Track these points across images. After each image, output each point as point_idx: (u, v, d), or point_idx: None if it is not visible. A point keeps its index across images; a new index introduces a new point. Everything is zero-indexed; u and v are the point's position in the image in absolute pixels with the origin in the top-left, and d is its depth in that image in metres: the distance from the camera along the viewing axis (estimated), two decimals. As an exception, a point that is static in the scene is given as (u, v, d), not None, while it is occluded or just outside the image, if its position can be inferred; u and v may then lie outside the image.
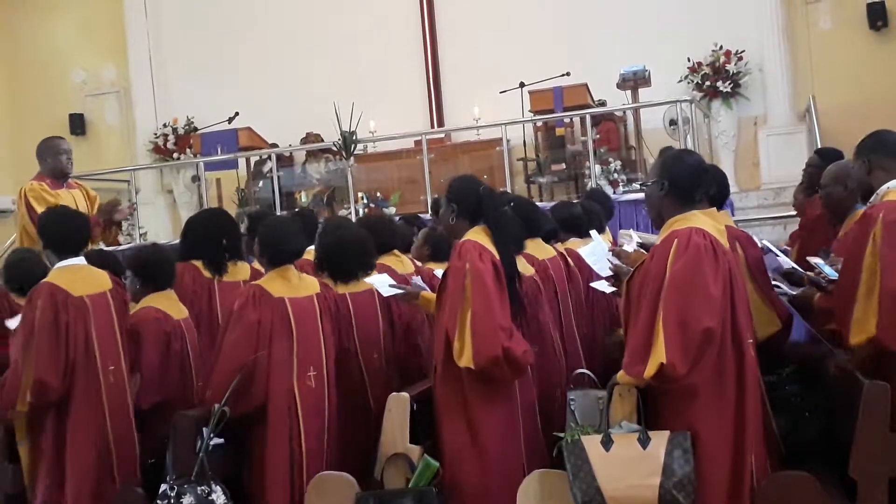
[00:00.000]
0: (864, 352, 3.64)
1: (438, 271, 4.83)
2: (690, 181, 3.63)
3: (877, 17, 11.34)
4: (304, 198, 10.89)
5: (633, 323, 3.55)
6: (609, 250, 5.00)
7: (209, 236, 5.15)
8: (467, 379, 3.90)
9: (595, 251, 4.75)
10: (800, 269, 4.52)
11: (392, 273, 5.10)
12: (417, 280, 4.88)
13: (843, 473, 3.57)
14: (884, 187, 3.81)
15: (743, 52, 11.66)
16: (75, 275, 4.45)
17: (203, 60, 13.48)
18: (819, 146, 8.98)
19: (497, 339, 3.79)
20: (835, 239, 4.63)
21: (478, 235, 4.02)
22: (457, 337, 3.85)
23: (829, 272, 4.10)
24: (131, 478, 4.38)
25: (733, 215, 9.38)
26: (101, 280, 4.55)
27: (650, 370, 3.35)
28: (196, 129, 12.88)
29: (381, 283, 4.67)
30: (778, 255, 4.66)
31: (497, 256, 3.96)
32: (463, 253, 3.94)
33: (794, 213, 6.73)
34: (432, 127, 12.72)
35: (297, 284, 4.40)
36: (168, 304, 4.82)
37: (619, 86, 10.19)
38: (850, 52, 11.46)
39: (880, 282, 3.55)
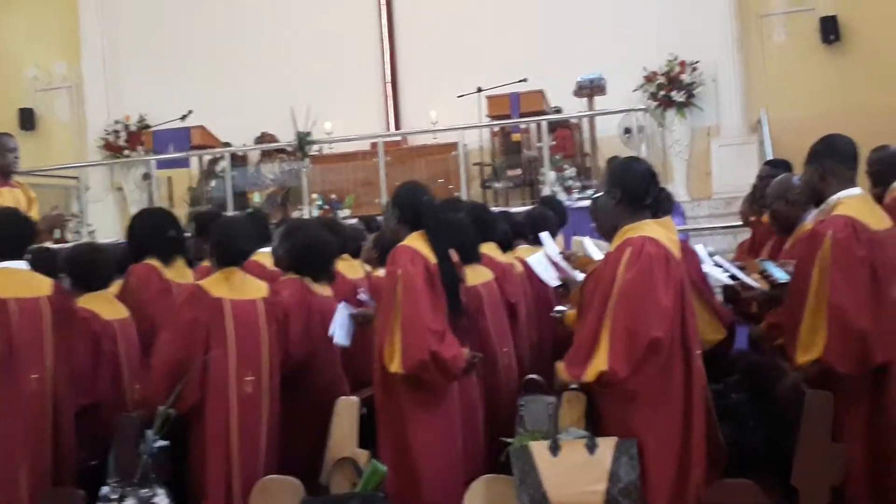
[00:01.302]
0: (811, 371, 3.66)
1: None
2: (641, 188, 3.64)
3: (829, 32, 11.56)
4: (257, 198, 10.78)
5: (580, 323, 3.58)
6: (560, 253, 5.03)
7: (155, 231, 5.02)
8: (403, 385, 3.88)
9: (541, 261, 4.76)
10: (746, 279, 4.54)
11: (341, 278, 5.05)
12: (362, 295, 4.84)
13: (786, 482, 3.61)
14: (834, 197, 3.79)
15: (698, 62, 11.81)
16: (9, 278, 4.30)
17: (157, 57, 13.32)
18: (770, 158, 9.10)
19: (425, 343, 3.77)
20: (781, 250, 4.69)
21: (415, 241, 4.00)
22: (387, 342, 3.84)
23: (779, 275, 4.11)
24: (45, 489, 4.19)
25: (684, 224, 9.49)
26: (38, 285, 4.32)
27: (590, 375, 3.38)
28: (148, 127, 12.71)
29: (340, 316, 4.61)
30: (721, 268, 4.67)
31: (433, 262, 3.94)
32: (395, 258, 3.94)
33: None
34: (389, 130, 12.70)
35: (241, 287, 4.32)
36: (100, 303, 4.68)
37: (575, 93, 10.26)
38: (802, 66, 11.67)
39: (827, 303, 3.56)
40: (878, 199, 5.41)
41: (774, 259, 4.62)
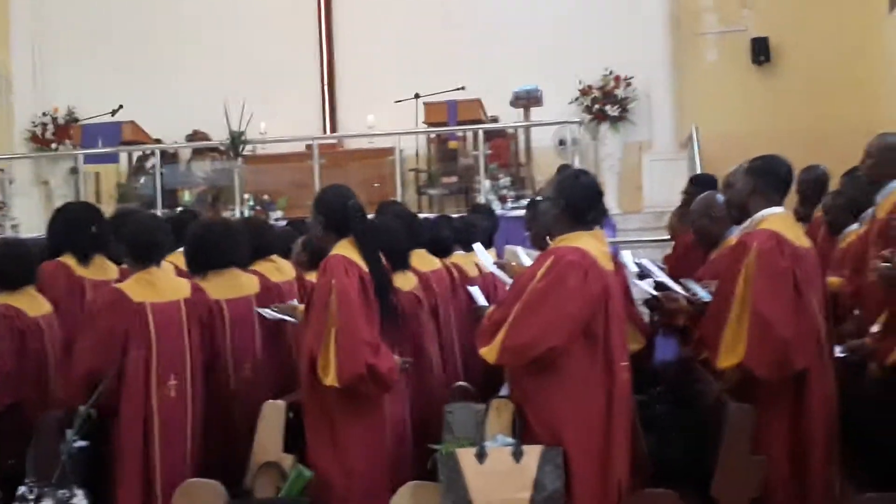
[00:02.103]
0: (732, 376, 3.75)
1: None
2: (586, 202, 3.71)
3: (760, 52, 11.86)
4: (187, 196, 10.61)
5: (495, 308, 3.72)
6: (494, 263, 5.06)
7: (77, 225, 4.90)
8: (333, 394, 3.84)
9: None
10: (672, 284, 4.62)
11: (264, 280, 4.98)
12: (293, 301, 4.81)
13: (707, 493, 3.67)
14: (759, 214, 3.92)
15: (632, 78, 11.99)
16: None
17: (89, 49, 12.99)
18: (700, 174, 9.27)
19: (361, 357, 3.74)
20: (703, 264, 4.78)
21: (345, 249, 3.94)
22: (321, 354, 3.79)
23: (703, 294, 4.21)
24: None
25: (615, 236, 9.62)
26: None
27: (488, 355, 3.58)
28: (77, 120, 12.39)
29: (265, 313, 4.56)
30: (646, 277, 4.74)
31: (366, 270, 3.91)
32: (328, 269, 3.87)
33: (674, 236, 6.91)
34: (325, 132, 12.61)
35: (162, 288, 4.22)
36: (24, 300, 4.55)
37: (512, 103, 10.33)
38: (733, 85, 11.94)
39: (751, 310, 3.66)
40: (804, 217, 5.58)
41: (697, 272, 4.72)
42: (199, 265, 4.62)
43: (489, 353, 3.56)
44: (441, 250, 5.45)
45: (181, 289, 4.32)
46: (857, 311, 4.60)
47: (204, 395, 4.29)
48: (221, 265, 4.63)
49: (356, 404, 3.88)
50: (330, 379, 3.76)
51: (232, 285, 4.64)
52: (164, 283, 4.28)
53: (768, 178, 3.97)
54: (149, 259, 4.24)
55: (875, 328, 4.25)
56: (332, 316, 3.78)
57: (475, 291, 4.96)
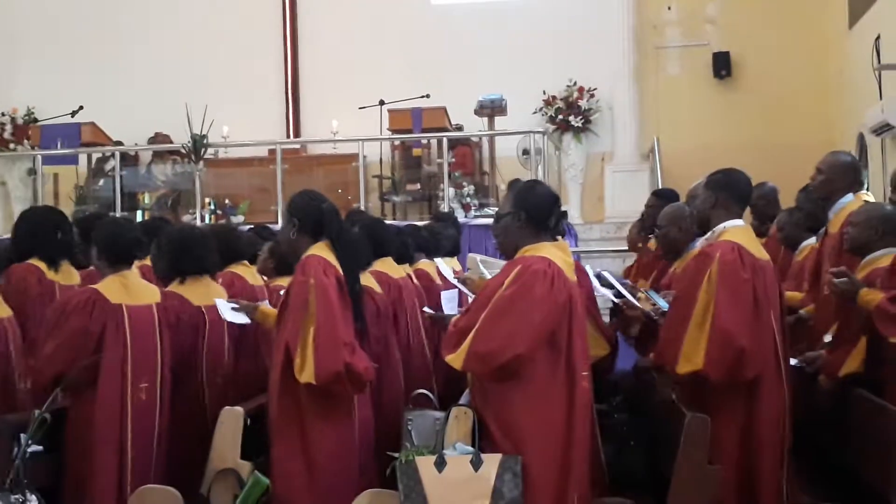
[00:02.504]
0: (688, 383, 3.80)
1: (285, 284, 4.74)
2: (545, 210, 3.74)
3: (721, 67, 12.02)
4: (147, 200, 10.50)
5: (463, 315, 3.72)
6: (455, 277, 5.08)
7: (43, 230, 4.90)
8: (305, 394, 3.85)
9: (451, 298, 4.83)
10: (629, 297, 4.67)
11: (242, 282, 4.97)
12: (264, 303, 4.78)
13: (663, 502, 3.71)
14: (721, 226, 4.00)
15: (595, 89, 12.11)
16: None
17: (50, 49, 12.83)
18: (660, 186, 9.39)
19: (340, 355, 3.76)
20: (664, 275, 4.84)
21: (321, 251, 3.97)
22: (298, 352, 3.80)
23: (662, 303, 4.27)
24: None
25: (577, 246, 9.69)
26: None
27: (454, 361, 3.56)
28: (36, 121, 12.18)
29: (222, 306, 4.54)
30: (611, 287, 4.79)
31: (341, 272, 3.94)
32: (307, 268, 3.89)
33: (636, 247, 6.99)
34: (288, 137, 12.58)
35: (136, 291, 4.23)
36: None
37: (476, 112, 10.36)
38: (694, 98, 12.10)
39: (712, 319, 3.72)
40: (759, 232, 5.67)
41: (660, 282, 4.78)
42: (178, 271, 4.60)
43: (455, 359, 3.56)
44: (405, 258, 5.45)
45: (153, 293, 4.33)
46: (811, 323, 4.69)
47: (171, 401, 4.27)
48: (200, 271, 4.65)
49: (329, 405, 3.88)
50: (306, 376, 3.75)
51: (206, 292, 4.64)
52: (138, 286, 4.28)
53: (729, 190, 4.05)
54: (123, 262, 4.24)
55: (827, 338, 4.34)
56: (310, 314, 3.79)
57: (446, 297, 4.95)
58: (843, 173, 4.66)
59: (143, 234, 4.59)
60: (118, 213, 9.53)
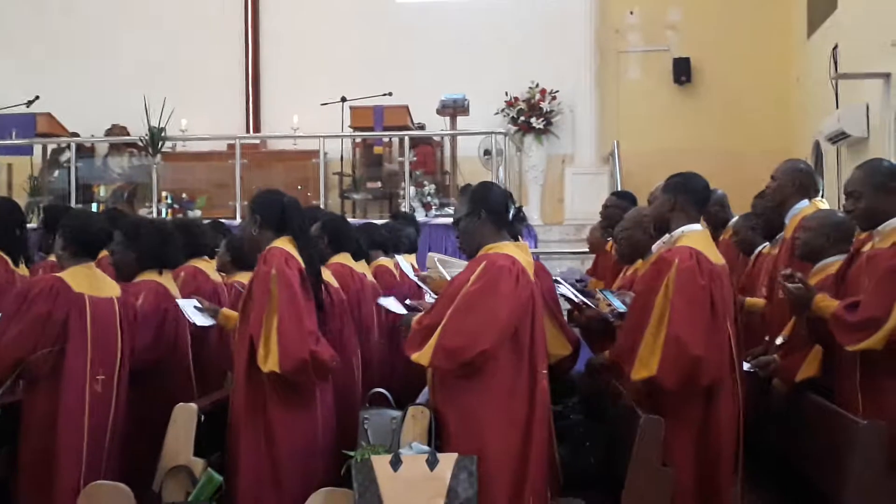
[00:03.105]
0: (643, 388, 3.82)
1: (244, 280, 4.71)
2: (503, 205, 3.78)
3: (681, 73, 12.15)
4: (102, 192, 10.35)
5: (427, 312, 3.73)
6: (416, 275, 5.08)
7: (5, 225, 4.91)
8: (269, 385, 3.85)
9: (391, 304, 4.84)
10: (584, 298, 4.69)
11: (204, 277, 4.94)
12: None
13: (617, 502, 3.73)
14: (678, 231, 4.00)
15: (557, 91, 12.17)
16: None
17: (6, 38, 12.62)
18: (619, 189, 9.45)
19: (305, 343, 3.77)
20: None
21: (284, 244, 4.00)
22: (262, 342, 3.80)
23: (619, 305, 4.28)
24: None
25: (536, 247, 9.73)
26: None
27: (420, 359, 3.58)
28: (-10, 110, 12.00)
29: (185, 306, 4.49)
30: (562, 286, 4.81)
31: (303, 265, 3.95)
32: (269, 259, 3.91)
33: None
34: (248, 131, 12.47)
35: (99, 283, 4.20)
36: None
37: (438, 112, 10.36)
38: (654, 103, 12.21)
39: (667, 326, 3.74)
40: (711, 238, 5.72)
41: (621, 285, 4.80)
42: (154, 263, 4.56)
43: (422, 357, 3.57)
44: (359, 255, 5.43)
45: (114, 287, 4.30)
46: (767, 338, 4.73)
47: (127, 397, 4.22)
48: (173, 265, 4.67)
49: (292, 397, 3.88)
50: (270, 365, 3.76)
51: (173, 286, 4.63)
52: (100, 279, 4.25)
53: (687, 193, 4.06)
54: (87, 255, 4.22)
55: (778, 341, 4.38)
56: (273, 304, 3.80)
57: (390, 302, 4.97)
58: (798, 180, 4.72)
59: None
60: (73, 206, 9.38)
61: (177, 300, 4.51)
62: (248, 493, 3.87)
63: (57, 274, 4.16)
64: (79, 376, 4.02)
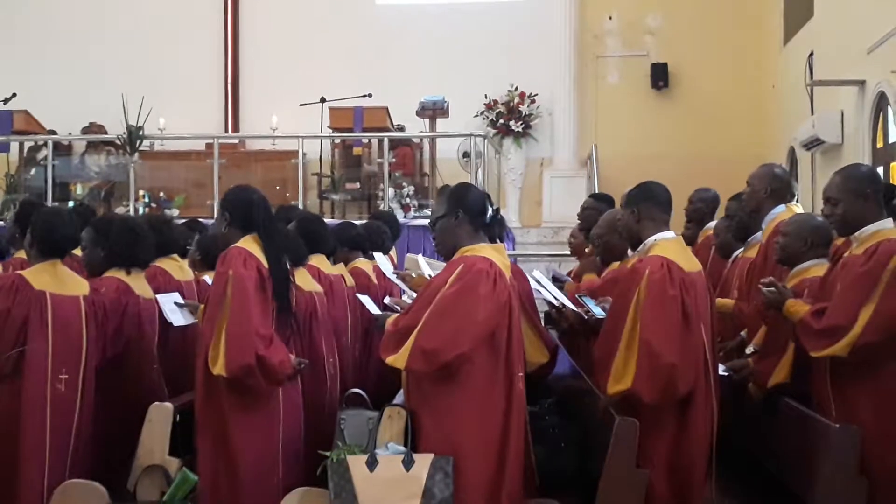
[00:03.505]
0: (620, 401, 3.82)
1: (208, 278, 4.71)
2: (480, 206, 3.77)
3: (659, 78, 12.25)
4: (79, 190, 10.28)
5: (403, 315, 3.71)
6: (395, 273, 5.07)
7: None
8: (226, 389, 3.82)
9: (368, 302, 4.83)
10: (565, 300, 4.71)
11: (168, 277, 4.90)
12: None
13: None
14: (650, 240, 3.99)
15: (536, 95, 12.22)
16: None
17: (-18, 33, 12.53)
18: (597, 192, 9.49)
19: (251, 347, 3.73)
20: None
21: (247, 244, 3.95)
22: (212, 344, 3.77)
23: (597, 311, 4.30)
24: None
25: (514, 249, 9.76)
26: None
27: (396, 361, 3.55)
28: (-34, 107, 11.89)
29: (165, 304, 4.46)
30: (541, 284, 4.82)
31: (265, 264, 3.90)
32: (227, 259, 3.87)
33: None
34: (227, 131, 12.43)
35: (63, 281, 4.17)
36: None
37: (418, 113, 10.37)
38: (632, 108, 12.30)
39: (639, 340, 3.74)
40: (689, 239, 5.75)
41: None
42: (123, 261, 4.52)
43: (398, 359, 3.54)
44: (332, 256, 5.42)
45: (81, 285, 4.26)
46: (743, 333, 4.77)
47: (94, 396, 4.19)
48: (143, 263, 4.63)
49: (248, 399, 3.85)
50: (218, 368, 3.73)
51: (142, 284, 4.60)
52: (67, 277, 4.22)
53: (648, 199, 4.05)
54: (55, 254, 4.19)
55: (750, 349, 4.42)
56: (226, 306, 3.78)
57: (366, 300, 4.95)
58: (773, 185, 4.75)
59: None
60: (49, 204, 9.31)
61: (157, 296, 4.48)
62: (206, 495, 3.84)
63: (19, 272, 4.14)
64: (40, 375, 3.99)
